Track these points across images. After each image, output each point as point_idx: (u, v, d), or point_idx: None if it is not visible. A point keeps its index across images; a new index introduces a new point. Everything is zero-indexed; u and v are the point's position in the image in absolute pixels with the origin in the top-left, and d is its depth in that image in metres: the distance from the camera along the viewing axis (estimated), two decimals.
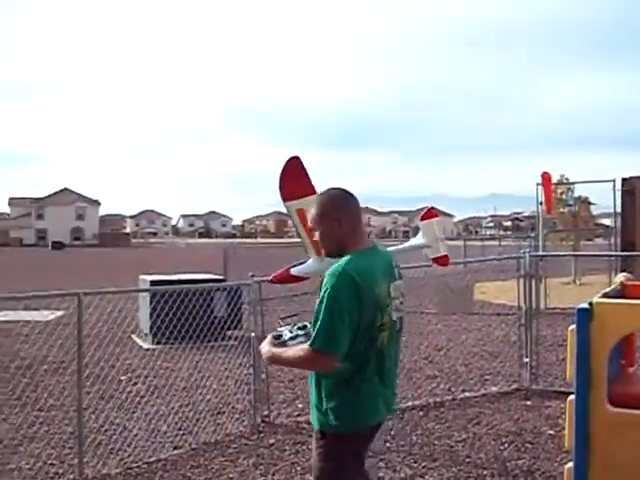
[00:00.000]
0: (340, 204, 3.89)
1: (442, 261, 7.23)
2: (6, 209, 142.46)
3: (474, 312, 14.74)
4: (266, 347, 3.94)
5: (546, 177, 20.57)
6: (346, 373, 3.72)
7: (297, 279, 6.43)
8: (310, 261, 6.03)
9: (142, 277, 15.53)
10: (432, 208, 6.52)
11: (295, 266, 6.88)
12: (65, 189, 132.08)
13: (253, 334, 8.38)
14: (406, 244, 7.13)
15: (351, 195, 3.96)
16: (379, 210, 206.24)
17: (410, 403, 9.19)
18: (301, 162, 4.85)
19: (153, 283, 14.31)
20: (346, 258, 3.75)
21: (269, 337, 3.98)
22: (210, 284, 11.98)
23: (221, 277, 15.91)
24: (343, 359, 3.64)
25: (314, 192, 4.86)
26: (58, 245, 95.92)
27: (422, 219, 7.17)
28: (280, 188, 4.79)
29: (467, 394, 9.65)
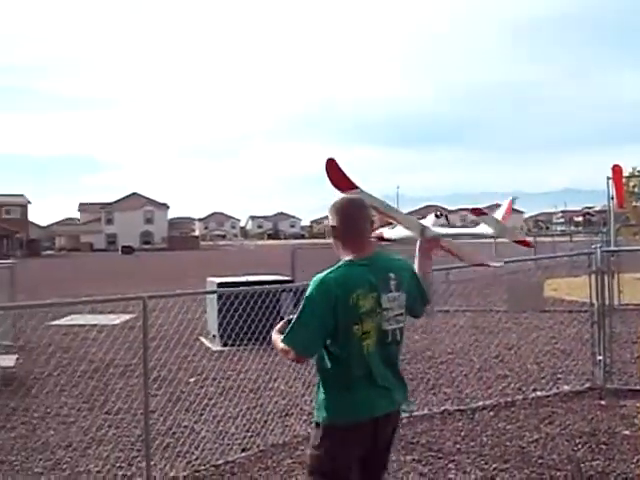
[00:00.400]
0: (337, 212, 4.01)
1: (525, 243, 7.05)
2: (76, 214, 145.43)
3: (545, 309, 14.44)
4: (273, 332, 4.13)
5: (617, 170, 20.01)
6: (335, 372, 3.90)
7: (387, 240, 6.59)
8: (399, 228, 6.08)
9: (210, 279, 15.58)
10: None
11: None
12: (134, 194, 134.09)
13: None
14: (470, 230, 6.87)
15: (359, 200, 4.11)
16: (448, 208, 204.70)
17: (480, 403, 9.01)
18: (337, 162, 4.91)
19: (220, 285, 14.35)
20: (334, 266, 3.91)
21: (284, 320, 4.12)
22: (276, 285, 11.96)
23: (288, 278, 15.85)
24: (327, 359, 3.91)
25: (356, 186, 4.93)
26: (128, 249, 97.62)
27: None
28: (336, 185, 4.80)
29: (539, 393, 9.42)
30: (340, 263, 3.93)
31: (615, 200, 19.92)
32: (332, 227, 4.01)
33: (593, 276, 9.74)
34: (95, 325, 15.68)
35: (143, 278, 36.13)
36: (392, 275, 3.95)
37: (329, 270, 3.88)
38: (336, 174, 4.85)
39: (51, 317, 16.96)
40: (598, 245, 10.73)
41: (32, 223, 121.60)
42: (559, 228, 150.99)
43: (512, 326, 14.15)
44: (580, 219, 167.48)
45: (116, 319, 17.25)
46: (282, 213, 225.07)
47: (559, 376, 10.30)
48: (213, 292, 13.66)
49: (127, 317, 17.21)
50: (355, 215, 3.99)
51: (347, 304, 3.77)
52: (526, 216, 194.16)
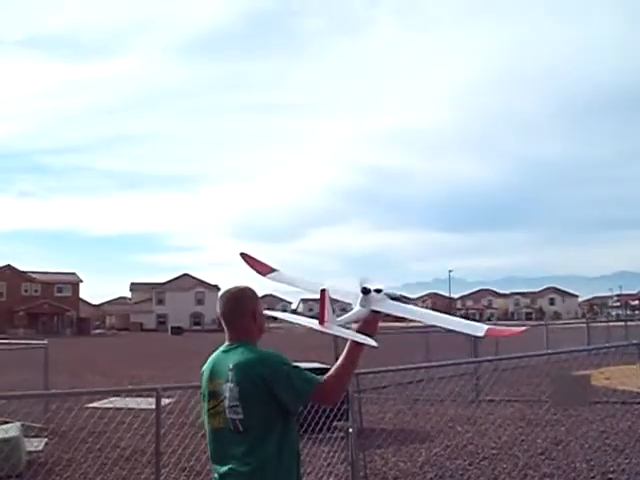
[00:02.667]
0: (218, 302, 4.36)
1: (503, 334, 6.07)
2: (127, 294, 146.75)
3: (596, 401, 13.76)
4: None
5: None
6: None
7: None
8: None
9: None
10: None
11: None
12: (185, 274, 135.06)
13: (351, 429, 7.89)
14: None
15: (225, 293, 4.36)
16: (500, 292, 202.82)
17: None
18: (248, 255, 5.19)
19: None
20: None
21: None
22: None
23: (327, 366, 15.42)
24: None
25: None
26: (177, 330, 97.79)
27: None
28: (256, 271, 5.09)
29: None
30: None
31: None
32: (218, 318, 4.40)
33: None
34: (132, 409, 15.36)
35: (188, 360, 35.87)
36: (231, 366, 4.11)
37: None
38: (252, 263, 5.13)
39: (88, 399, 16.71)
40: None
41: (83, 301, 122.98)
42: (614, 312, 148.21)
43: (561, 418, 13.50)
44: (636, 303, 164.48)
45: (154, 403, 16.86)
46: (334, 298, 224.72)
47: (610, 476, 9.66)
48: None
49: (167, 401, 16.86)
50: (225, 307, 4.30)
51: (203, 382, 4.28)
52: (580, 300, 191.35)
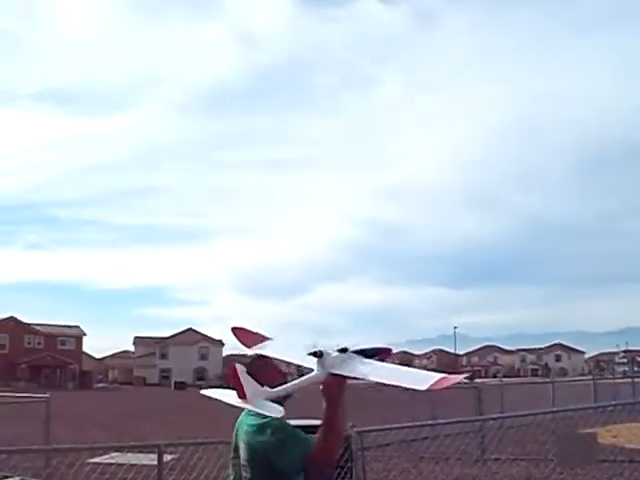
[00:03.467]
0: None
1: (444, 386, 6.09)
2: (131, 347, 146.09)
3: (603, 459, 13.59)
4: None
5: None
6: None
7: None
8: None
9: None
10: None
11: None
12: (189, 329, 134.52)
13: None
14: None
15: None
16: (506, 348, 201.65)
17: None
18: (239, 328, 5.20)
19: None
20: None
21: None
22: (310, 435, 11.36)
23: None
24: None
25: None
26: (181, 385, 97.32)
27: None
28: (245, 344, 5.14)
29: None
30: None
31: None
32: None
33: None
34: (134, 465, 15.19)
35: (191, 416, 35.57)
36: (245, 427, 4.46)
37: None
38: (241, 336, 5.15)
39: (89, 454, 16.53)
40: None
41: (86, 354, 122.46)
42: (621, 369, 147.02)
43: (567, 477, 13.32)
44: None
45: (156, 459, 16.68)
46: None
47: None
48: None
49: (169, 457, 16.68)
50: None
51: (234, 432, 4.61)
52: (587, 356, 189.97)
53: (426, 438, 15.94)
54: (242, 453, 4.46)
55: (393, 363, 4.54)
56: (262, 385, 4.34)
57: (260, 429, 4.33)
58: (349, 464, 8.86)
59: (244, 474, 4.44)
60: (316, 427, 4.42)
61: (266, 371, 4.62)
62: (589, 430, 11.54)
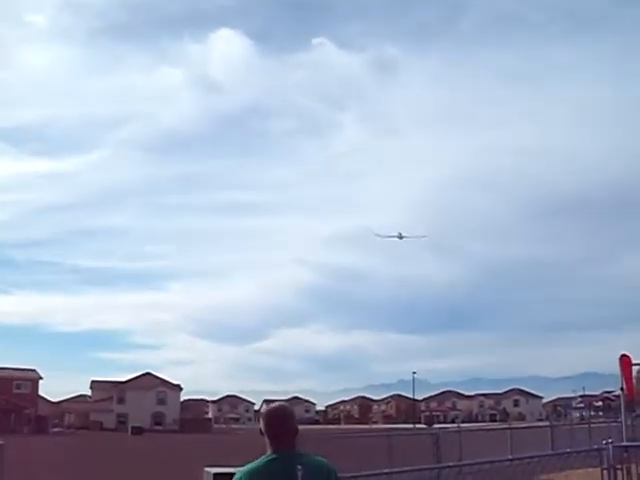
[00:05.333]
0: (262, 418, 4.74)
1: None
2: (88, 391, 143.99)
3: None
4: None
5: (625, 360, 19.54)
6: None
7: None
8: None
9: (207, 469, 14.96)
10: None
11: None
12: (147, 373, 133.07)
13: None
14: None
15: (275, 410, 4.76)
16: (465, 393, 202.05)
17: None
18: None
19: (217, 476, 13.82)
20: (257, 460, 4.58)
21: None
22: None
23: None
24: None
25: None
26: (137, 430, 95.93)
27: None
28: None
29: None
30: (262, 457, 4.57)
31: (625, 391, 19.38)
32: (260, 430, 4.70)
33: (605, 472, 9.25)
34: None
35: (149, 463, 35.18)
36: (300, 467, 4.47)
37: (252, 463, 4.54)
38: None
39: None
40: (609, 440, 10.26)
41: (42, 398, 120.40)
42: (578, 414, 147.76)
43: None
44: (600, 404, 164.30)
45: None
46: (296, 397, 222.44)
47: None
48: None
49: None
50: (272, 421, 4.67)
51: None
52: (545, 401, 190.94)
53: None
54: None
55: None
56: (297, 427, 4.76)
57: (328, 464, 4.68)
58: None
59: None
60: None
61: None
62: (545, 477, 11.65)
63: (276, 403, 4.93)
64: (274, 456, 4.56)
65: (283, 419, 4.72)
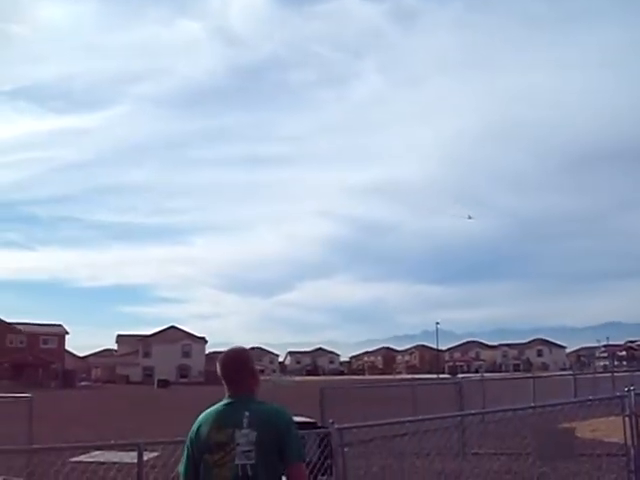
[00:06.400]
0: (217, 362, 4.77)
1: None
2: (114, 346, 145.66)
3: (582, 453, 13.69)
4: None
5: None
6: None
7: None
8: None
9: None
10: None
11: None
12: (172, 327, 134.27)
13: None
14: None
15: (225, 355, 4.79)
16: (488, 344, 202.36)
17: None
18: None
19: None
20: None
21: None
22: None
23: (313, 420, 15.26)
24: None
25: None
26: (163, 383, 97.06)
27: None
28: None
29: None
30: (218, 402, 4.65)
31: None
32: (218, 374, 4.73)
33: (627, 420, 9.22)
34: (115, 463, 15.17)
35: (173, 414, 35.52)
36: (247, 413, 4.45)
37: (209, 408, 4.65)
38: None
39: (70, 453, 16.50)
40: (631, 387, 10.21)
41: (69, 353, 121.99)
42: (602, 363, 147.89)
43: (547, 471, 13.41)
44: (623, 353, 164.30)
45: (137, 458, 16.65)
46: (321, 349, 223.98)
47: None
48: None
49: (151, 455, 16.66)
50: (227, 365, 4.71)
51: (202, 435, 4.49)
52: (568, 351, 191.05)
53: (406, 434, 16.02)
54: (243, 440, 4.39)
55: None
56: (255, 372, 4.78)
57: (277, 413, 4.56)
58: (329, 461, 8.94)
59: (243, 462, 4.37)
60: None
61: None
62: (568, 425, 11.66)
63: (232, 347, 4.97)
64: (227, 401, 4.62)
65: (237, 364, 4.74)
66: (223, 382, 4.70)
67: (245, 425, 4.41)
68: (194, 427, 4.62)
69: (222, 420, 4.49)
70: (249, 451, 4.37)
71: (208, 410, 4.64)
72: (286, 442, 4.43)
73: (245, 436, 4.39)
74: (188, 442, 4.63)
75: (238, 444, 4.37)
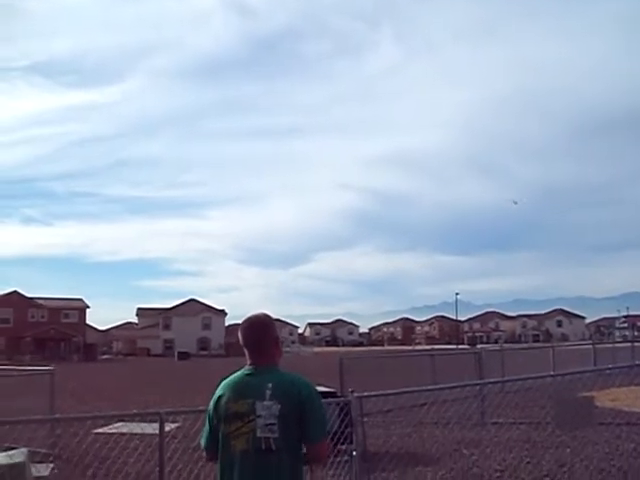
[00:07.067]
0: (239, 329, 4.60)
1: None
2: (134, 319, 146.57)
3: (601, 422, 13.70)
4: None
5: None
6: (219, 470, 4.36)
7: None
8: None
9: None
10: None
11: None
12: (191, 300, 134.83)
13: (355, 453, 7.90)
14: None
15: (251, 321, 4.61)
16: (508, 314, 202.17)
17: None
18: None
19: None
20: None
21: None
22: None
23: (332, 390, 15.33)
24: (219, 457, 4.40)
25: None
26: (184, 355, 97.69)
27: None
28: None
29: None
30: (240, 370, 4.51)
31: None
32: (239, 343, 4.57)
33: None
34: (136, 434, 15.31)
35: (194, 385, 35.78)
36: (270, 385, 4.31)
37: (231, 376, 4.53)
38: None
39: (92, 424, 16.66)
40: None
41: (90, 327, 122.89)
42: (621, 333, 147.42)
43: (566, 440, 13.44)
44: None
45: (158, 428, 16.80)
46: (340, 320, 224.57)
47: None
48: None
49: (172, 426, 16.81)
50: (247, 333, 4.55)
51: (221, 405, 4.39)
52: (588, 321, 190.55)
53: (425, 404, 16.07)
54: (265, 412, 4.25)
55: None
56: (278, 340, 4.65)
57: (301, 383, 4.41)
58: (349, 429, 8.98)
59: (266, 435, 4.25)
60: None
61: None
62: (587, 394, 11.63)
63: (253, 313, 4.77)
64: (248, 371, 4.48)
65: (259, 331, 4.58)
66: (245, 350, 4.54)
67: (268, 397, 4.28)
68: (214, 397, 4.50)
69: (242, 390, 4.37)
70: (272, 424, 4.25)
71: (228, 379, 4.52)
72: (309, 417, 4.30)
73: (268, 408, 4.26)
74: (208, 412, 4.53)
75: (259, 416, 4.26)
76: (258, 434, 4.23)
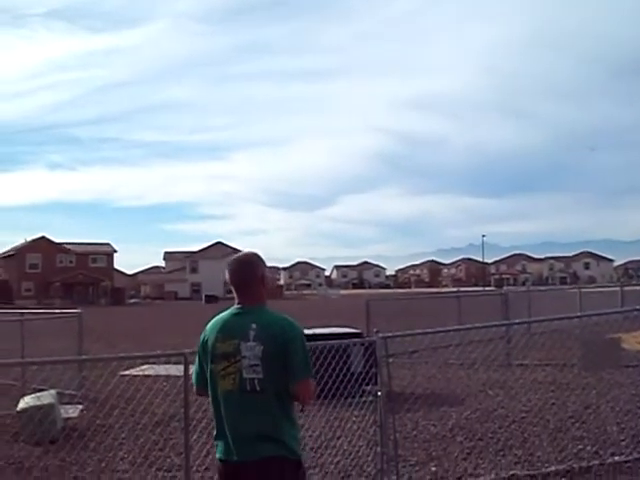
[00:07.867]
0: (227, 269, 4.58)
1: None
2: (161, 263, 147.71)
3: (628, 365, 13.59)
4: None
5: None
6: (212, 408, 4.44)
7: None
8: None
9: None
10: None
11: None
12: (218, 243, 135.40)
13: (379, 393, 7.88)
14: None
15: (236, 260, 4.62)
16: (535, 257, 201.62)
17: (553, 468, 8.37)
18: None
19: None
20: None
21: None
22: (337, 341, 11.43)
23: (358, 331, 15.36)
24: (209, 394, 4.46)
25: None
26: (211, 298, 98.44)
27: None
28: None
29: (617, 458, 8.69)
30: (228, 309, 4.51)
31: None
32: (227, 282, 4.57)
33: None
34: (162, 375, 15.45)
35: None
36: (254, 326, 4.30)
37: (218, 315, 4.53)
38: None
39: (118, 366, 16.83)
40: None
41: (118, 271, 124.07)
42: None
43: (592, 382, 13.38)
44: None
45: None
46: (367, 262, 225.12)
47: None
48: None
49: None
50: (234, 272, 4.55)
51: (209, 344, 4.42)
52: (616, 264, 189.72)
53: (451, 345, 16.07)
54: (249, 353, 4.25)
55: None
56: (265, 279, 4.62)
57: (285, 323, 4.38)
58: (374, 370, 8.97)
59: (251, 376, 4.27)
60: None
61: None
62: (613, 335, 11.52)
63: (243, 252, 4.81)
64: (235, 310, 4.48)
65: (246, 270, 4.57)
66: (232, 289, 4.53)
67: (251, 338, 4.29)
68: (202, 336, 4.53)
69: (228, 330, 4.39)
70: (256, 365, 4.27)
71: (215, 319, 4.53)
72: (292, 357, 4.28)
73: (251, 349, 4.28)
74: (198, 351, 4.56)
75: (244, 357, 4.28)
76: (244, 375, 4.27)
